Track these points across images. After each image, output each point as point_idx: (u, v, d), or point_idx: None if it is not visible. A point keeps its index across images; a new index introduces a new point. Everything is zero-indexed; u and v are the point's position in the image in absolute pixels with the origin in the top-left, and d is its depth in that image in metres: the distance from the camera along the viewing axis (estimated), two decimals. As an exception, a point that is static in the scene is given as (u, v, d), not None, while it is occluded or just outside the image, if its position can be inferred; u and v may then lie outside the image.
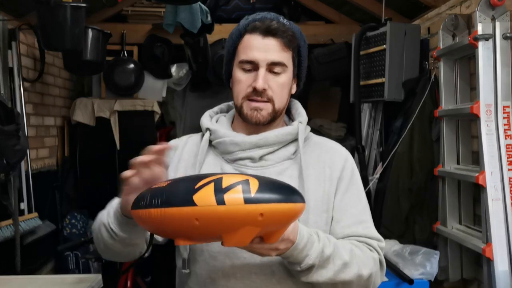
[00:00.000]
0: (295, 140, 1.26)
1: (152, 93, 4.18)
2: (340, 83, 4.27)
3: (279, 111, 1.25)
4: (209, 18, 3.58)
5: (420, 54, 3.12)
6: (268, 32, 1.21)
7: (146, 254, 1.24)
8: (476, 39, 2.29)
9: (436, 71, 2.84)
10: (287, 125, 1.31)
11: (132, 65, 4.06)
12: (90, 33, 3.22)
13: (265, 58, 1.21)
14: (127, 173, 1.05)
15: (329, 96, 4.45)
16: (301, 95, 4.34)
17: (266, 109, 1.22)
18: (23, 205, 3.09)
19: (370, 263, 1.19)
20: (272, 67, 1.22)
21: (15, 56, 3.04)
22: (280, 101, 1.24)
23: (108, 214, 1.16)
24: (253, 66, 1.22)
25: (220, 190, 0.90)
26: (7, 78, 3.01)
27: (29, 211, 3.15)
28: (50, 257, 3.66)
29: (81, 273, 3.63)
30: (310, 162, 1.26)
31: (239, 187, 0.90)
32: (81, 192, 4.01)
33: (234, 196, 0.90)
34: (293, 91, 1.30)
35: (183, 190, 0.93)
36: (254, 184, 0.92)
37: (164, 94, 4.27)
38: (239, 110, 1.25)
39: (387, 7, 3.34)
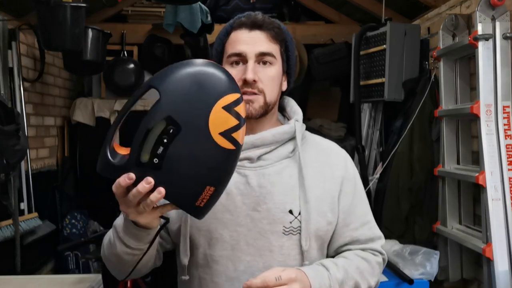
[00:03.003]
0: (293, 138, 1.25)
1: (152, 93, 4.17)
2: (340, 83, 4.27)
3: (271, 104, 1.23)
4: (209, 18, 3.58)
5: (420, 54, 3.11)
6: (254, 25, 1.22)
7: (159, 263, 1.26)
8: (476, 39, 2.29)
9: (436, 71, 2.84)
10: (282, 123, 1.30)
11: (132, 65, 4.06)
12: (90, 33, 3.22)
13: (253, 49, 1.20)
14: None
15: (329, 96, 4.45)
16: (301, 95, 4.40)
17: (257, 101, 1.20)
18: (23, 205, 3.09)
19: (376, 270, 1.26)
20: (261, 58, 1.21)
21: (15, 56, 3.04)
22: (271, 94, 1.22)
23: (118, 237, 1.12)
24: (242, 59, 1.20)
25: None
26: (7, 78, 3.01)
27: (29, 211, 3.15)
28: (50, 257, 3.66)
29: (81, 273, 3.64)
30: (308, 160, 1.25)
31: None
32: (81, 192, 4.02)
33: None
34: (284, 88, 1.29)
35: None
36: None
37: (164, 94, 4.27)
38: None
39: (387, 7, 3.34)
